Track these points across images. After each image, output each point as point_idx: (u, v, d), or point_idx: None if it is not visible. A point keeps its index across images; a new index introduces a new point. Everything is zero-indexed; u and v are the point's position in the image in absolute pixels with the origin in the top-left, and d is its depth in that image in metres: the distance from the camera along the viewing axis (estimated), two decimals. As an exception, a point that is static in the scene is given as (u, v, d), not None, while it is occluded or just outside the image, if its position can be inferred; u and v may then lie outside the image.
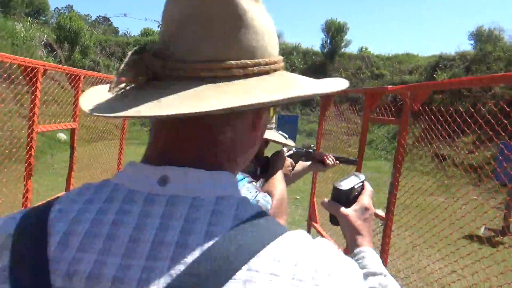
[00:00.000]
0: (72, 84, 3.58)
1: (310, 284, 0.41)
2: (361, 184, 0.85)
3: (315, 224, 3.89)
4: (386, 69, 17.25)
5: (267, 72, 0.52)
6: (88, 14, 31.34)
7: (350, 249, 0.81)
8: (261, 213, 0.48)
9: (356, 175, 0.87)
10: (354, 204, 0.83)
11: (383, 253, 2.41)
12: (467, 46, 13.82)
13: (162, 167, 0.49)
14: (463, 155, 10.95)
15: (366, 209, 0.82)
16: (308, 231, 4.12)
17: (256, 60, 0.51)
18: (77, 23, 15.44)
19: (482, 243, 5.94)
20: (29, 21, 14.48)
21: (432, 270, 3.55)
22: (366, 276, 0.72)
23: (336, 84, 0.61)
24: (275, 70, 0.54)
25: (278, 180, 1.40)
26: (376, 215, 2.60)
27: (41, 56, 13.46)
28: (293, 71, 18.01)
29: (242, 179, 1.26)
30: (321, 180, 3.73)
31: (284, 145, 1.51)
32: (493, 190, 8.73)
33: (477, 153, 10.15)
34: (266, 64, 0.52)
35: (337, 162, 1.67)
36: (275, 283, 0.41)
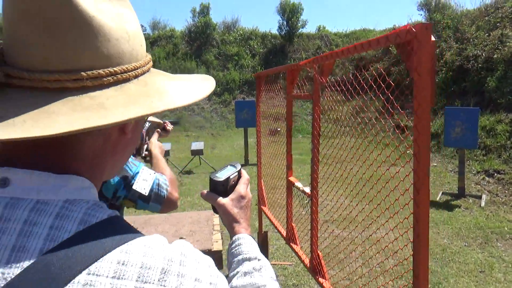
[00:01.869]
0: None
1: (156, 285, 0.42)
2: (236, 173, 0.89)
3: (263, 208, 3.85)
4: (345, 46, 17.30)
5: (126, 80, 0.50)
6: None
7: (230, 236, 0.85)
8: (113, 219, 0.47)
9: (232, 165, 0.91)
10: (231, 194, 0.87)
11: (312, 229, 2.38)
12: (417, 16, 14.05)
13: (4, 168, 0.47)
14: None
15: (242, 197, 0.86)
16: (259, 214, 4.09)
17: (111, 69, 0.48)
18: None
19: (439, 208, 6.09)
20: None
21: (390, 240, 3.62)
22: (242, 261, 0.76)
23: (201, 88, 0.60)
24: (136, 76, 0.52)
25: (164, 163, 1.56)
26: (304, 192, 2.56)
27: None
28: (253, 55, 17.78)
29: (140, 164, 1.39)
30: (266, 163, 3.67)
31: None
32: (451, 156, 9.00)
33: (435, 121, 10.42)
34: (124, 71, 0.50)
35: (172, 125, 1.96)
36: (117, 286, 0.41)
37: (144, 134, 1.68)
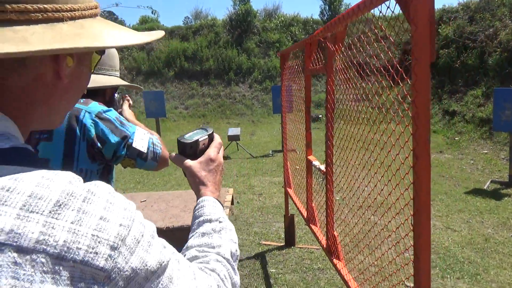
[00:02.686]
0: None
1: (46, 217, 0.38)
2: (206, 137, 0.85)
3: (288, 190, 3.78)
4: (390, 28, 16.52)
5: (59, 19, 0.48)
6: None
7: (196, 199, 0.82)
8: (18, 150, 0.45)
9: (203, 129, 0.88)
10: (201, 157, 0.84)
11: (327, 209, 2.28)
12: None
13: None
14: (473, 109, 10.50)
15: (211, 160, 0.84)
16: (285, 197, 4.02)
17: (40, 6, 0.46)
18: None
19: (486, 196, 5.70)
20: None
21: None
22: (203, 222, 0.74)
23: (145, 35, 0.58)
24: (72, 18, 0.49)
25: (143, 126, 1.55)
26: (319, 170, 2.46)
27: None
28: (294, 42, 17.60)
29: (132, 125, 1.44)
30: (303, 149, 3.56)
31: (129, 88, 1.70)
32: (504, 143, 8.34)
33: (487, 106, 9.71)
34: (56, 10, 0.47)
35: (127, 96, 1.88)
36: None
37: (117, 102, 1.72)
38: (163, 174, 7.41)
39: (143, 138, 1.39)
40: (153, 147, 1.42)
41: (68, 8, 0.49)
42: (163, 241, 0.52)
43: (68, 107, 0.58)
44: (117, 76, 1.54)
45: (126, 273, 0.43)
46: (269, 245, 4.09)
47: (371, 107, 1.80)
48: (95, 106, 1.36)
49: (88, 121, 1.32)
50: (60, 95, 0.54)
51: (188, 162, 0.83)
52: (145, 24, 19.16)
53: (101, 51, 0.60)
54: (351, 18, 1.70)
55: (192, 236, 0.73)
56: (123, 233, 0.43)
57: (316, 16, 18.31)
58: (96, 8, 0.54)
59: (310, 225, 2.84)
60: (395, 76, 1.36)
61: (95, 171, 1.35)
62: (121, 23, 29.06)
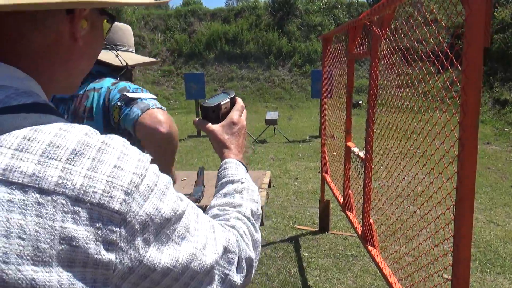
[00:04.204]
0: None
1: (63, 163, 0.42)
2: (228, 100, 0.86)
3: (325, 175, 3.77)
4: (441, 12, 15.67)
5: None
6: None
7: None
8: (39, 104, 0.47)
9: (225, 92, 0.88)
10: (223, 121, 0.85)
11: (365, 195, 2.27)
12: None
13: None
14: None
15: (234, 123, 0.84)
16: (321, 182, 4.01)
17: None
18: (117, -1, 15.85)
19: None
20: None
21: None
22: (225, 183, 0.76)
23: None
24: None
25: None
26: (358, 157, 2.43)
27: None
28: (338, 26, 17.15)
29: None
30: (341, 136, 3.54)
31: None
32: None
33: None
34: None
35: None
36: (18, 157, 0.41)
37: None
38: (201, 155, 7.57)
39: (140, 94, 1.34)
40: (152, 105, 1.29)
41: None
42: (180, 194, 0.54)
43: (83, 71, 0.61)
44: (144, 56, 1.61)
45: (141, 217, 0.45)
46: (303, 229, 4.11)
47: (416, 94, 1.74)
48: (109, 80, 1.43)
49: (115, 94, 1.37)
50: (77, 58, 0.57)
51: (211, 126, 0.84)
52: (188, 6, 19.31)
53: (111, 19, 0.62)
54: (400, 0, 1.64)
55: (215, 197, 0.75)
56: (136, 180, 0.46)
57: (362, -1, 17.69)
58: None
59: (346, 211, 2.82)
60: (445, 62, 1.30)
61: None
62: (165, 4, 29.49)
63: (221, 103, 0.84)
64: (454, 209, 1.18)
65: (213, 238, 0.57)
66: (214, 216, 0.70)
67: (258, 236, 0.71)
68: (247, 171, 0.82)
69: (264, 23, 17.67)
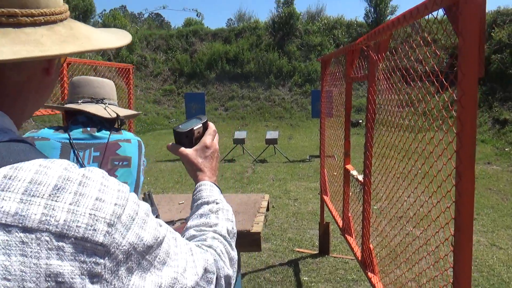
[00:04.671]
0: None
1: (46, 200, 0.42)
2: (200, 125, 0.88)
3: (325, 197, 3.74)
4: (439, 33, 15.85)
5: (54, 22, 0.54)
6: (141, 12, 32.65)
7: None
8: (16, 141, 0.48)
9: (198, 118, 0.90)
10: (196, 145, 0.87)
11: (364, 220, 2.24)
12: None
13: None
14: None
15: (206, 147, 0.87)
16: (321, 204, 3.97)
17: (41, 10, 0.52)
18: (121, 21, 16.16)
19: (538, 213, 5.33)
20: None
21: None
22: (201, 205, 0.78)
23: (122, 37, 0.65)
24: (61, 20, 0.56)
25: None
26: (357, 180, 2.42)
27: (89, 55, 14.29)
28: (337, 45, 17.26)
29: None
30: (342, 155, 3.53)
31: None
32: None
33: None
34: (52, 14, 0.54)
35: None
36: (0, 197, 0.41)
37: None
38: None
39: None
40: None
41: (58, 11, 0.55)
42: (159, 221, 0.56)
43: (45, 100, 0.63)
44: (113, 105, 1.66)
45: (124, 247, 0.46)
46: (303, 252, 4.05)
47: (416, 114, 1.73)
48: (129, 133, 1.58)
49: (144, 151, 1.55)
50: (45, 89, 0.59)
51: (184, 150, 0.86)
52: (190, 27, 19.59)
53: None
54: (396, 27, 1.66)
55: (191, 218, 0.77)
56: (118, 211, 0.46)
57: (361, 19, 17.98)
58: (68, 11, 0.60)
59: (346, 235, 2.78)
60: (444, 82, 1.30)
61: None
62: (167, 25, 29.87)
63: (194, 128, 0.86)
64: (453, 240, 1.16)
65: (192, 260, 0.59)
66: (192, 237, 0.72)
67: (234, 254, 0.73)
68: (221, 192, 0.85)
69: (265, 43, 17.90)
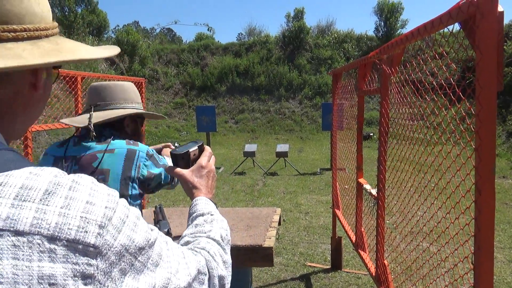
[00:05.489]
0: (69, 85, 3.91)
1: (37, 204, 0.43)
2: (196, 148, 0.94)
3: (337, 211, 3.70)
4: (453, 46, 15.75)
5: (38, 37, 0.56)
6: (153, 27, 33.26)
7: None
8: (3, 151, 0.49)
9: (194, 142, 0.96)
10: (193, 166, 0.92)
11: (378, 235, 2.20)
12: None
13: None
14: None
15: (202, 167, 0.92)
16: (333, 218, 3.93)
17: (24, 26, 0.54)
18: (133, 36, 16.42)
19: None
20: (90, 40, 15.75)
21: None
22: (196, 217, 0.81)
23: (108, 50, 0.68)
24: (47, 36, 0.58)
25: None
26: (370, 195, 2.39)
27: (103, 69, 14.55)
28: (347, 59, 17.29)
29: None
30: (353, 168, 3.51)
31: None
32: None
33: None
34: (36, 29, 0.56)
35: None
36: None
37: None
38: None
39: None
40: None
41: (44, 27, 0.57)
42: (150, 226, 0.57)
43: (39, 115, 0.64)
44: (135, 108, 1.60)
45: (116, 249, 0.46)
46: (315, 267, 3.99)
47: (432, 128, 1.71)
48: (144, 146, 1.50)
49: (142, 160, 1.46)
50: (35, 105, 0.60)
51: (181, 170, 0.90)
52: (201, 41, 19.85)
53: (57, 66, 0.66)
54: (409, 41, 1.65)
55: (187, 228, 0.81)
56: (109, 214, 0.47)
57: (371, 33, 18.04)
58: (56, 28, 0.62)
59: (359, 250, 2.73)
60: (462, 95, 1.28)
61: (139, 203, 1.51)
62: (179, 39, 30.35)
63: (190, 150, 0.91)
64: (473, 258, 1.13)
65: (185, 262, 0.61)
66: (186, 243, 0.75)
67: (228, 258, 0.75)
68: (217, 207, 0.87)
69: (275, 57, 18.02)
